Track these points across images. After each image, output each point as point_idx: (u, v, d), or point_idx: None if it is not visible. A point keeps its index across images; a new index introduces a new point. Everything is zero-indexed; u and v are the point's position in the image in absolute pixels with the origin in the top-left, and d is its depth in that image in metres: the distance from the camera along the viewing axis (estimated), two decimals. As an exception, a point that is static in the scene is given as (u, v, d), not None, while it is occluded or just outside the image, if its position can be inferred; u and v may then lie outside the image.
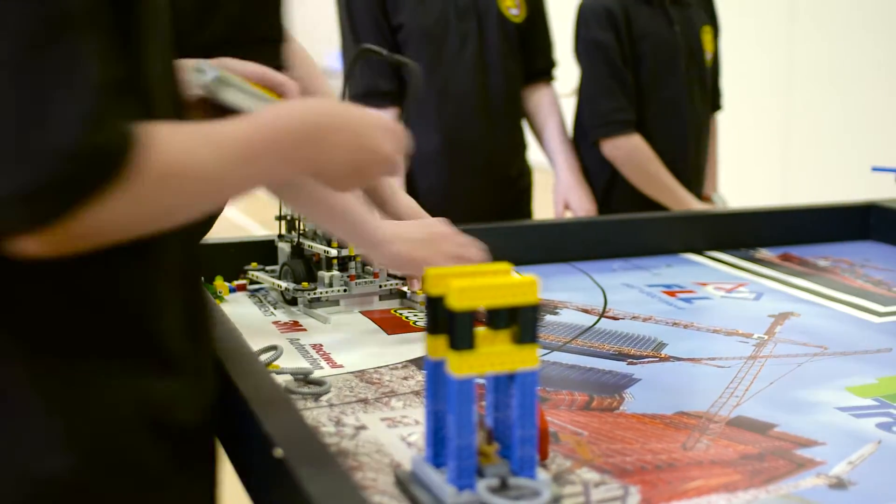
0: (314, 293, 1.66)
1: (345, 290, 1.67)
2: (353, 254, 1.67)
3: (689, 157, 2.68)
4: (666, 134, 2.64)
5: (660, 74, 2.63)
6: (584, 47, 2.65)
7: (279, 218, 1.76)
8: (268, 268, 1.80)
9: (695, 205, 2.59)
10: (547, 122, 2.67)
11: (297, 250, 1.72)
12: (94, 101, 0.82)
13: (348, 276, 1.68)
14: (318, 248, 1.68)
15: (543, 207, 2.76)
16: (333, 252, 1.66)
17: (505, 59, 2.54)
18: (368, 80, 2.45)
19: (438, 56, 2.47)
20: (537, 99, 2.67)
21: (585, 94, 2.67)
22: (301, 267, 1.70)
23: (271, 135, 0.98)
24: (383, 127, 1.12)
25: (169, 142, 0.88)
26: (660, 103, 2.64)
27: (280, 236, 1.77)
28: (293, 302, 1.70)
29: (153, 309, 0.98)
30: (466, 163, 2.50)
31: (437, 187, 2.46)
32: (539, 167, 2.71)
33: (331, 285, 1.67)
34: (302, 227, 1.73)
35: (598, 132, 2.63)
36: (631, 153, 2.60)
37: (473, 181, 2.50)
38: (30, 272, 0.89)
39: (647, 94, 2.63)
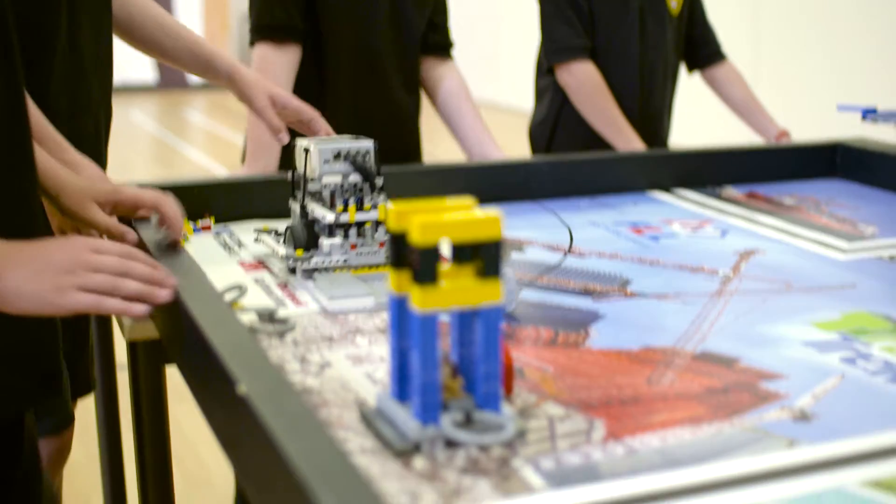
0: (309, 263, 1.51)
1: (344, 261, 1.52)
2: (353, 220, 1.52)
3: (639, 101, 2.68)
4: (614, 75, 2.64)
5: (610, 14, 2.63)
6: None
7: (291, 172, 1.61)
8: (280, 230, 1.65)
9: (639, 145, 2.57)
10: (463, 108, 2.42)
11: (304, 212, 1.56)
12: None
13: (349, 245, 1.52)
14: (319, 211, 1.53)
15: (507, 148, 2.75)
16: (331, 217, 1.51)
17: (416, 16, 2.35)
18: (272, 12, 2.22)
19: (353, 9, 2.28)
20: (448, 81, 2.43)
21: (543, 25, 2.67)
22: (303, 232, 1.54)
23: None
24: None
25: None
26: (609, 44, 2.63)
27: (293, 195, 1.60)
28: (294, 271, 1.53)
29: None
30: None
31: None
32: (499, 108, 2.69)
33: (330, 254, 1.51)
34: (306, 186, 1.56)
35: (553, 58, 2.64)
36: (584, 80, 2.60)
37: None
38: None
39: (596, 33, 2.63)
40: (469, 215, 0.95)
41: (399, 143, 2.35)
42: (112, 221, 1.41)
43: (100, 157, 1.71)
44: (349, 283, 1.46)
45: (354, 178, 1.54)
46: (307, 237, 1.53)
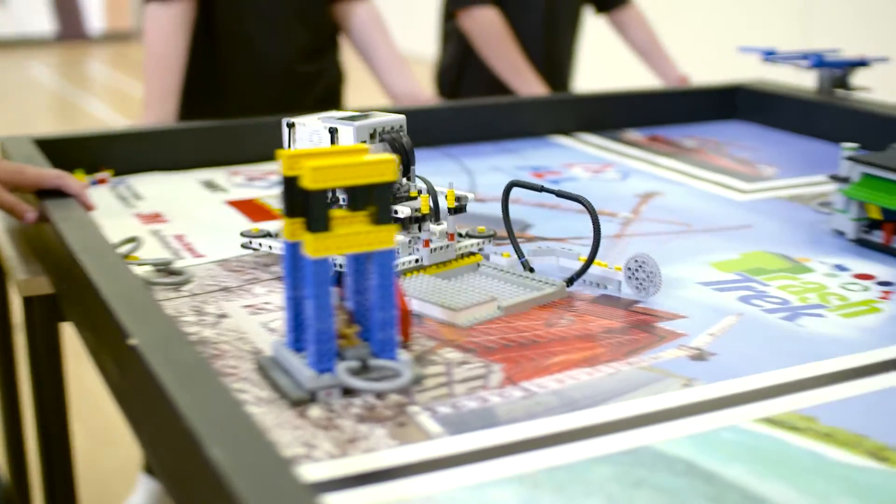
0: None
1: (416, 261, 1.26)
2: (426, 211, 1.28)
3: (544, 48, 2.68)
4: (518, 21, 2.63)
5: None
6: None
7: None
8: (263, 227, 1.37)
9: (541, 90, 2.55)
10: (373, 37, 2.39)
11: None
12: None
13: (423, 241, 1.27)
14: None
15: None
16: (406, 210, 1.25)
17: None
18: None
19: None
20: (358, 14, 2.38)
21: None
22: None
23: None
24: None
25: None
26: None
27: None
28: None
29: None
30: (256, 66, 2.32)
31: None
32: (415, 58, 2.67)
33: (398, 254, 1.25)
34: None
35: (455, 4, 2.62)
36: (486, 26, 2.57)
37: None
38: None
39: None
40: (362, 159, 0.94)
41: (322, 89, 2.37)
42: (14, 200, 1.38)
43: None
44: (444, 289, 1.21)
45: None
46: None
